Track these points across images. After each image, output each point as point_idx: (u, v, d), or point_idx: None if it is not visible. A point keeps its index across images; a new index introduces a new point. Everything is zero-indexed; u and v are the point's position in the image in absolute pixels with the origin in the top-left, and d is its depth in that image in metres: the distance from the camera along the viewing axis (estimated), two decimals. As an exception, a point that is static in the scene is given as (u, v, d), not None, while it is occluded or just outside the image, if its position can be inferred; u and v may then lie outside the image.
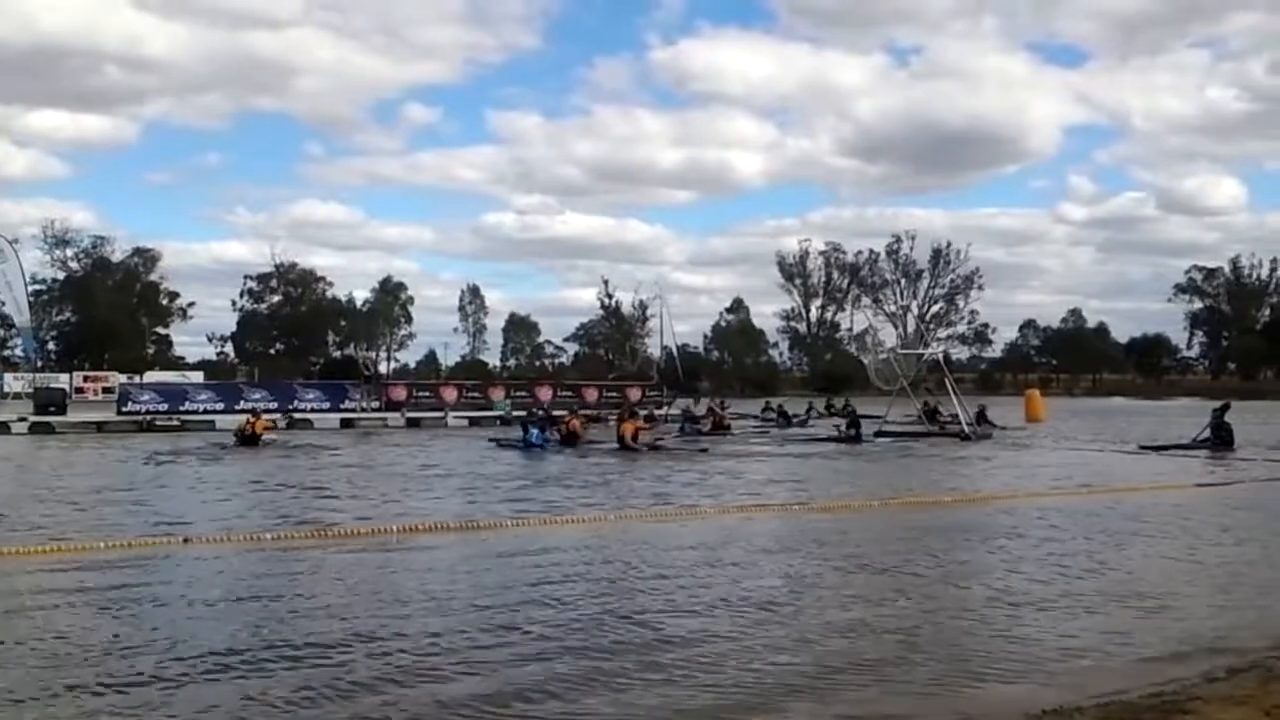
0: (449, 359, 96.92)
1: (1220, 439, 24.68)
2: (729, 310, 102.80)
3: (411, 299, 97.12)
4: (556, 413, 29.84)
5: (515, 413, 33.31)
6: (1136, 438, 28.94)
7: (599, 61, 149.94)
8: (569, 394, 42.07)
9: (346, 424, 34.47)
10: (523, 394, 40.57)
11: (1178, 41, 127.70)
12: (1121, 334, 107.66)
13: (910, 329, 76.75)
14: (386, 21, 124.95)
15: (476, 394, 40.29)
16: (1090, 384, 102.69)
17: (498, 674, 6.39)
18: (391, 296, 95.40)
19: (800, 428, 34.74)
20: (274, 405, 35.44)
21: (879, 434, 29.85)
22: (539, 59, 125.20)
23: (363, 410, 36.46)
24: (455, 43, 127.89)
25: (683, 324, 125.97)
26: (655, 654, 6.84)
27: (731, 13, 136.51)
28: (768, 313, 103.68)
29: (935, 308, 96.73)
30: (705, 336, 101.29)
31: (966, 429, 29.60)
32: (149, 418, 32.97)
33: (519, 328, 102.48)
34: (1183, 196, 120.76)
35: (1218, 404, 26.99)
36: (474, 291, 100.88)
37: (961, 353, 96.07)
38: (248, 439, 25.26)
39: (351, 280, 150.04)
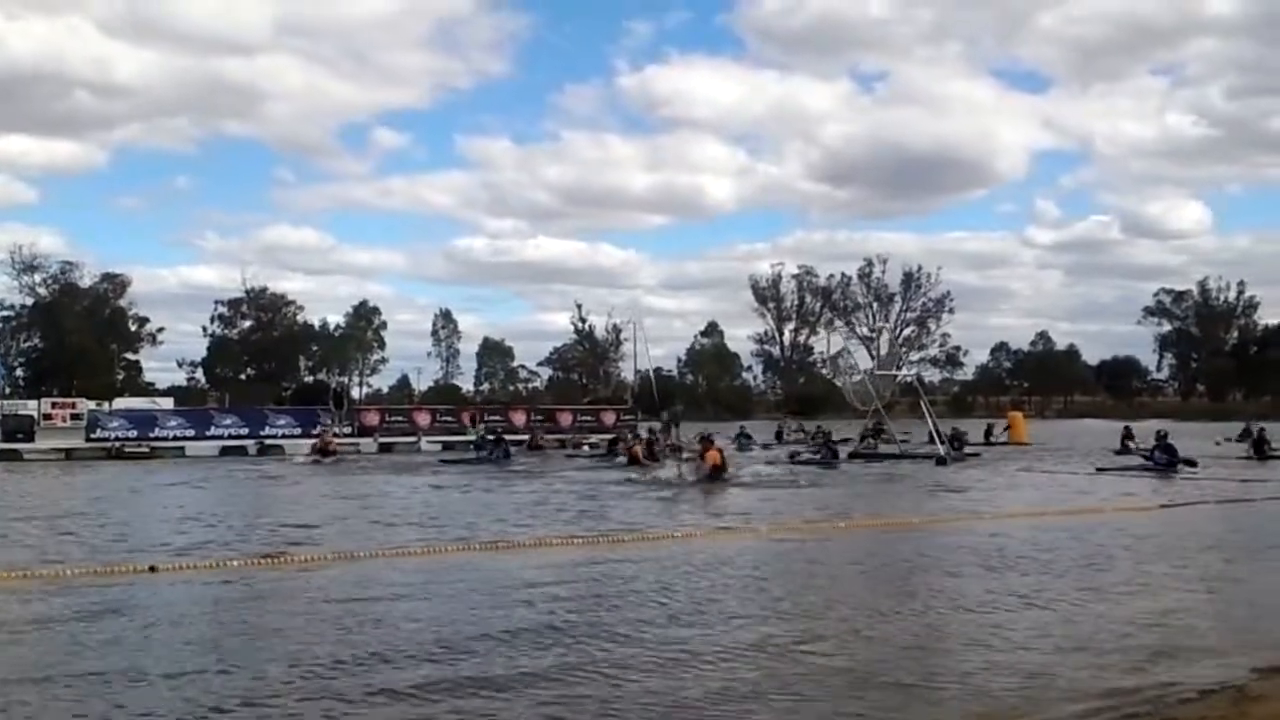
0: (422, 384, 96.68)
1: (1168, 459, 25.12)
2: (703, 334, 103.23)
3: (385, 324, 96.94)
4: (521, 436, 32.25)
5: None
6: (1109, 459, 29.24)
7: (568, 87, 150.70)
8: (542, 418, 42.01)
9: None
10: (497, 419, 40.39)
11: (1137, 67, 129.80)
12: (1091, 356, 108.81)
13: (883, 351, 76.96)
14: (355, 47, 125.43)
15: (450, 419, 40.13)
16: (1062, 406, 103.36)
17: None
18: (364, 321, 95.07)
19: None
20: (245, 431, 35.19)
21: (853, 455, 30.00)
22: (508, 85, 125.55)
23: (335, 436, 36.15)
24: (424, 68, 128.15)
25: (656, 347, 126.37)
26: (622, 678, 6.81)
27: (699, 40, 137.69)
28: (741, 336, 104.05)
29: (907, 331, 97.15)
30: (679, 360, 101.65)
31: (942, 451, 29.68)
32: (118, 444, 32.63)
33: (493, 352, 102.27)
34: (1148, 220, 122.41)
35: (1163, 431, 27.60)
36: (447, 316, 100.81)
37: (934, 375, 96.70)
38: (323, 452, 29.96)
39: (323, 305, 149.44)
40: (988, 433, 39.35)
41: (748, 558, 12.15)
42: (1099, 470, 25.63)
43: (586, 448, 34.68)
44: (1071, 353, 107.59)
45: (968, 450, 32.27)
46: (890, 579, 10.82)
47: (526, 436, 34.91)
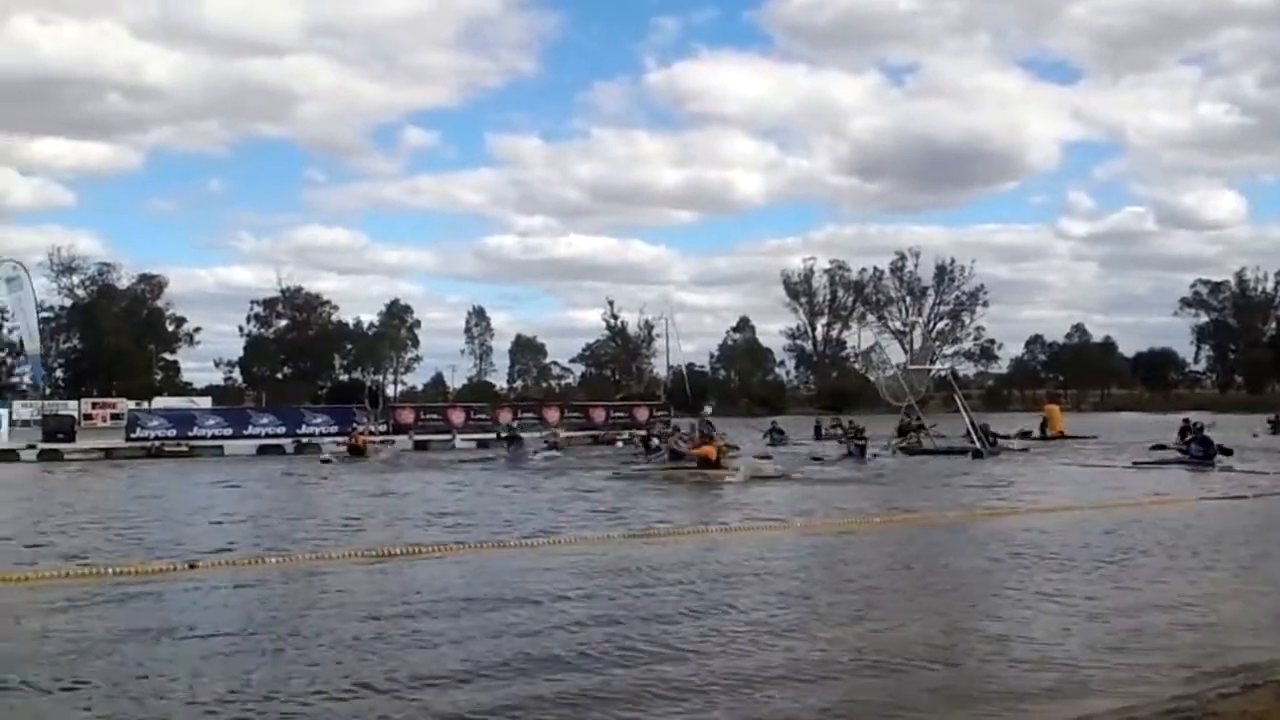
0: (456, 381, 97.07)
1: (1204, 452, 24.77)
2: (735, 329, 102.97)
3: (418, 322, 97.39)
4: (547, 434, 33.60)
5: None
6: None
7: (597, 85, 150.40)
8: (576, 415, 42.21)
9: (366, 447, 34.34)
10: (530, 415, 40.61)
11: (1168, 57, 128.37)
12: (1128, 348, 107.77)
13: (917, 345, 76.65)
14: (384, 48, 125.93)
15: (484, 416, 40.32)
16: (1098, 399, 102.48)
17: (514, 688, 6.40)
18: (397, 320, 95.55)
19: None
20: (282, 430, 35.49)
21: (888, 450, 29.92)
22: (537, 83, 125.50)
23: (370, 434, 36.40)
24: (453, 68, 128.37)
25: (688, 343, 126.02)
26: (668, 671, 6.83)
27: (727, 35, 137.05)
28: (773, 331, 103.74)
29: (941, 324, 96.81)
30: (711, 355, 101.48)
31: (978, 445, 29.53)
32: (158, 444, 32.99)
33: (525, 349, 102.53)
34: (1182, 211, 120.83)
35: (1199, 424, 27.31)
36: (479, 314, 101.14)
37: (968, 369, 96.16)
38: (356, 450, 30.37)
39: (357, 304, 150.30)
40: (1043, 425, 38.88)
41: (780, 556, 12.13)
42: (1136, 464, 25.42)
43: (620, 444, 34.77)
44: (1107, 345, 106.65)
45: (1009, 444, 32.04)
46: (923, 575, 10.78)
47: (546, 433, 34.90)
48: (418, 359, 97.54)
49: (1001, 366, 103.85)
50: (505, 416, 39.80)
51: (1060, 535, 13.20)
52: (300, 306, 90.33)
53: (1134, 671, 6.87)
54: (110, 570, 10.80)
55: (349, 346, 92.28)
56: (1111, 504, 17.10)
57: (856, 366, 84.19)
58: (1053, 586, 9.74)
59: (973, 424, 31.27)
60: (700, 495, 19.15)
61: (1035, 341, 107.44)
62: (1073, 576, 10.26)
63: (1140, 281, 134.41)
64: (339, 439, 33.12)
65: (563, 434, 35.40)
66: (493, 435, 36.09)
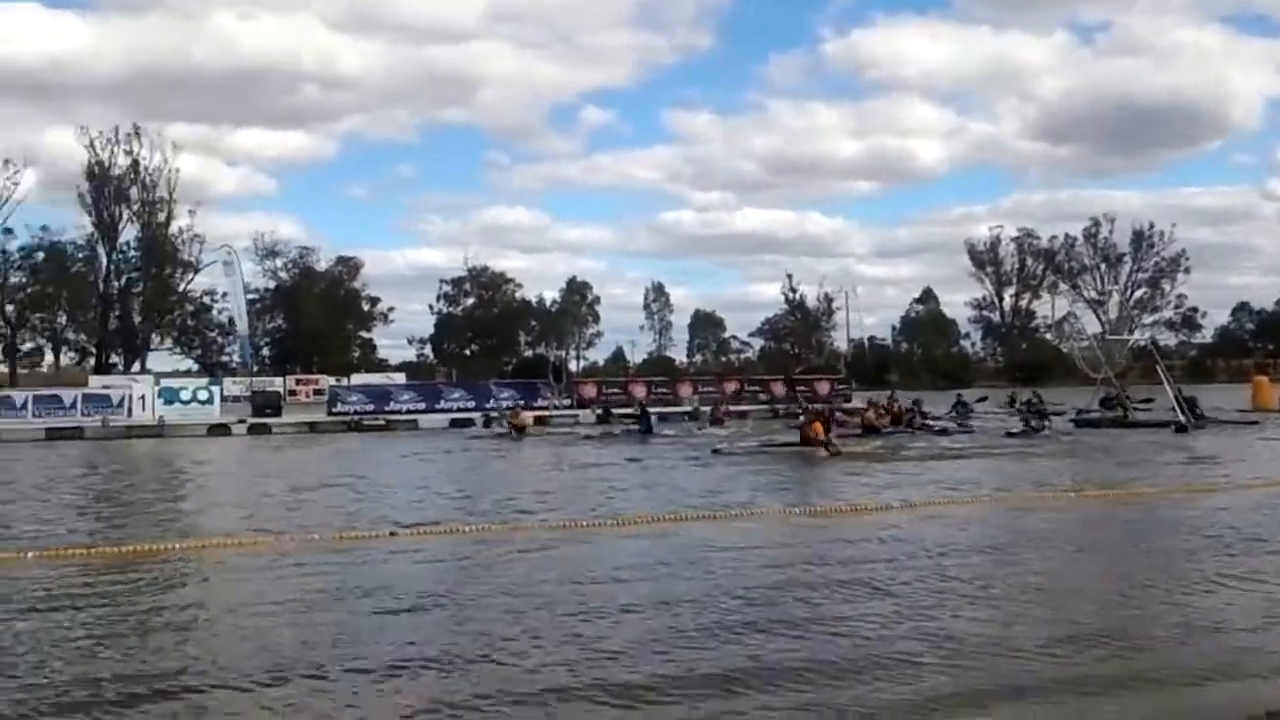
0: (636, 356, 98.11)
1: None
2: (918, 300, 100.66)
3: (598, 298, 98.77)
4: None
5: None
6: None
7: (772, 57, 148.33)
8: (756, 388, 42.17)
9: (539, 421, 35.22)
10: (710, 389, 40.78)
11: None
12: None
13: (1113, 315, 73.38)
14: (562, 29, 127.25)
15: (665, 390, 40.70)
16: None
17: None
18: (578, 296, 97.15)
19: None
20: (471, 404, 36.70)
21: (1080, 424, 28.86)
22: (711, 58, 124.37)
23: (555, 408, 37.27)
24: (628, 46, 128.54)
25: (869, 316, 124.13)
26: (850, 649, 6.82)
27: (905, 0, 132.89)
28: (958, 302, 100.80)
29: (1139, 292, 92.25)
30: (893, 328, 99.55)
31: (1183, 419, 28.11)
32: (357, 418, 34.57)
33: (704, 324, 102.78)
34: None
35: None
36: (659, 289, 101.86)
37: (1169, 339, 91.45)
38: (517, 428, 29.85)
39: (540, 282, 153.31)
40: None
41: (968, 533, 11.89)
42: None
43: (800, 417, 34.49)
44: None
45: (1220, 417, 30.38)
46: (1109, 556, 10.38)
47: (711, 407, 34.87)
48: (599, 334, 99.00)
49: (1205, 336, 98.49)
50: (686, 390, 40.15)
51: (1261, 515, 12.46)
52: (486, 285, 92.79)
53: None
54: (317, 537, 11.44)
55: (533, 323, 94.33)
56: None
57: (1048, 337, 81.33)
58: (1244, 569, 9.23)
59: (1177, 396, 29.76)
60: (877, 471, 18.85)
61: (1242, 309, 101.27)
62: (1264, 560, 9.69)
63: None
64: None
65: (727, 408, 35.39)
66: (680, 410, 36.42)
